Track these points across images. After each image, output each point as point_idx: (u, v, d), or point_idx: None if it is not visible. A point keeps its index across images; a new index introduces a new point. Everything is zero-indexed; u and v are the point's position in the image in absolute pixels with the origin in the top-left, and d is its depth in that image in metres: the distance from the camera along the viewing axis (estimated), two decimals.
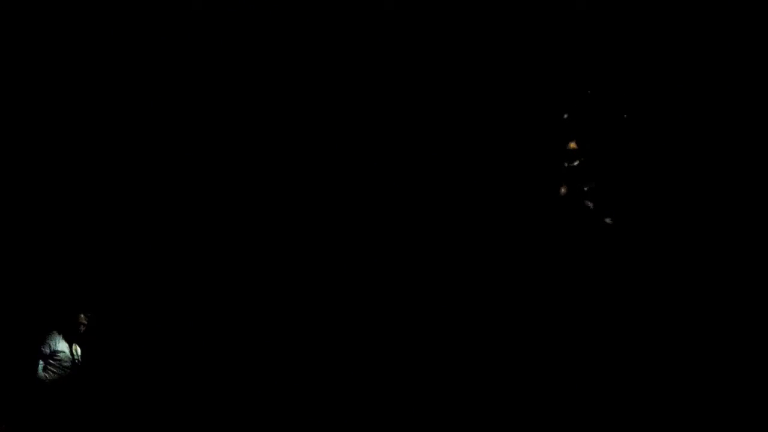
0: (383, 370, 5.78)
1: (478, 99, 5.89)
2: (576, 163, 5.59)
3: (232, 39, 6.39)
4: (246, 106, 6.40)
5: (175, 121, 6.38)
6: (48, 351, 5.58)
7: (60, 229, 6.24)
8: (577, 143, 5.59)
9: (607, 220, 5.49)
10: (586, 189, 5.56)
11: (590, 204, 5.54)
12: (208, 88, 6.41)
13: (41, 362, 5.52)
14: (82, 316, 5.57)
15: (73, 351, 5.60)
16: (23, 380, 5.62)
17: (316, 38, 6.34)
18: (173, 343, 6.03)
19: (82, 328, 5.60)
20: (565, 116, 5.65)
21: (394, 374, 5.75)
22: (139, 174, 6.27)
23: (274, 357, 5.96)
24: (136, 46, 6.45)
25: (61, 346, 5.59)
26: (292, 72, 6.37)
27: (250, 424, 5.86)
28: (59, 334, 5.60)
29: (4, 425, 5.59)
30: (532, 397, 5.50)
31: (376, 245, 6.02)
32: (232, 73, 6.41)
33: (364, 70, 6.26)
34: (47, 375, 5.56)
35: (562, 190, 5.60)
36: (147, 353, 5.99)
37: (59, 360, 5.59)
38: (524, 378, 5.54)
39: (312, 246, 6.14)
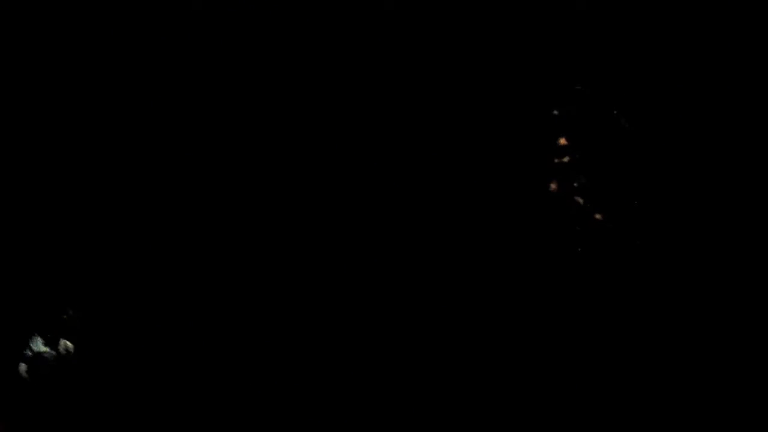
0: (382, 370, 5.77)
1: (469, 96, 5.90)
2: (566, 159, 5.57)
3: (232, 39, 6.45)
4: (246, 105, 6.44)
5: (170, 118, 6.43)
6: (35, 348, 5.63)
7: (44, 224, 6.30)
8: (567, 139, 5.58)
9: (597, 216, 5.47)
10: (576, 185, 5.54)
11: (580, 200, 5.52)
12: (207, 88, 6.47)
13: (28, 359, 5.56)
14: (70, 311, 5.62)
15: (61, 348, 5.65)
16: (16, 378, 5.68)
17: (316, 38, 6.38)
18: (167, 339, 6.06)
19: (70, 324, 5.64)
20: (555, 112, 5.63)
21: (393, 373, 5.74)
22: (133, 170, 6.33)
23: (272, 352, 5.97)
24: (136, 46, 6.52)
25: (48, 342, 5.63)
26: (292, 72, 6.41)
27: (248, 423, 5.87)
28: (46, 329, 5.65)
29: (3, 425, 5.65)
30: (523, 392, 5.47)
31: (370, 243, 6.03)
32: (232, 73, 6.47)
33: (363, 69, 6.29)
34: (36, 372, 5.61)
35: (552, 186, 5.58)
36: (139, 349, 6.02)
37: (45, 359, 5.63)
38: (516, 373, 5.52)
39: (310, 244, 6.16)
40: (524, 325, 5.57)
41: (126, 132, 6.38)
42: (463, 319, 5.73)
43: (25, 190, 6.35)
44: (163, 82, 6.47)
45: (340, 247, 6.12)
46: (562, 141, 5.57)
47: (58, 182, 6.35)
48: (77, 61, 6.52)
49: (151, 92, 6.48)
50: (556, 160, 5.57)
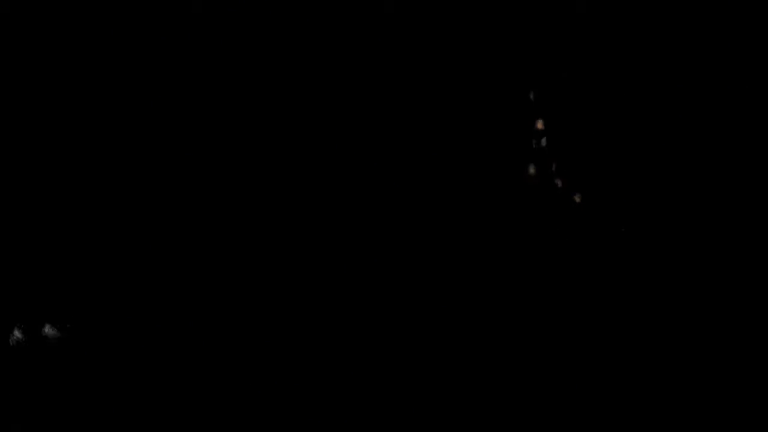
0: (382, 370, 5.80)
1: (451, 82, 5.96)
2: (543, 142, 5.63)
3: (232, 40, 6.47)
4: (245, 107, 6.46)
5: (170, 118, 6.44)
6: (17, 337, 5.59)
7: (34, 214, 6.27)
8: (544, 122, 5.63)
9: (576, 198, 5.53)
10: (554, 168, 5.60)
11: (559, 182, 5.58)
12: (207, 89, 6.48)
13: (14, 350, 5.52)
14: (55, 300, 5.59)
15: (45, 332, 5.62)
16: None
17: (316, 41, 6.42)
18: (160, 331, 6.05)
19: (54, 312, 5.61)
20: (532, 95, 5.69)
21: (393, 373, 5.77)
22: (129, 166, 6.32)
23: (269, 348, 5.98)
24: (136, 47, 6.52)
25: (30, 329, 5.60)
26: (292, 74, 6.44)
27: (246, 422, 5.86)
28: (29, 317, 5.62)
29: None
30: (515, 387, 5.51)
31: (357, 238, 6.06)
32: (231, 75, 6.49)
33: (359, 69, 6.34)
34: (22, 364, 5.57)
35: (530, 169, 5.64)
36: (129, 335, 6.00)
37: (27, 345, 5.61)
38: (505, 361, 5.56)
39: (309, 244, 6.18)
40: (510, 311, 5.61)
41: (125, 129, 6.38)
42: (451, 307, 5.77)
43: (21, 184, 6.33)
44: (163, 82, 6.48)
45: (333, 244, 6.15)
46: (540, 125, 5.63)
47: (53, 177, 6.33)
48: (77, 62, 6.52)
49: (151, 93, 6.49)
50: (534, 143, 5.63)
